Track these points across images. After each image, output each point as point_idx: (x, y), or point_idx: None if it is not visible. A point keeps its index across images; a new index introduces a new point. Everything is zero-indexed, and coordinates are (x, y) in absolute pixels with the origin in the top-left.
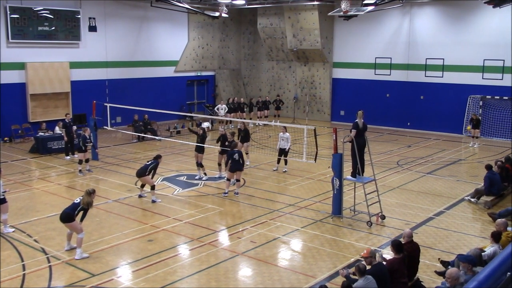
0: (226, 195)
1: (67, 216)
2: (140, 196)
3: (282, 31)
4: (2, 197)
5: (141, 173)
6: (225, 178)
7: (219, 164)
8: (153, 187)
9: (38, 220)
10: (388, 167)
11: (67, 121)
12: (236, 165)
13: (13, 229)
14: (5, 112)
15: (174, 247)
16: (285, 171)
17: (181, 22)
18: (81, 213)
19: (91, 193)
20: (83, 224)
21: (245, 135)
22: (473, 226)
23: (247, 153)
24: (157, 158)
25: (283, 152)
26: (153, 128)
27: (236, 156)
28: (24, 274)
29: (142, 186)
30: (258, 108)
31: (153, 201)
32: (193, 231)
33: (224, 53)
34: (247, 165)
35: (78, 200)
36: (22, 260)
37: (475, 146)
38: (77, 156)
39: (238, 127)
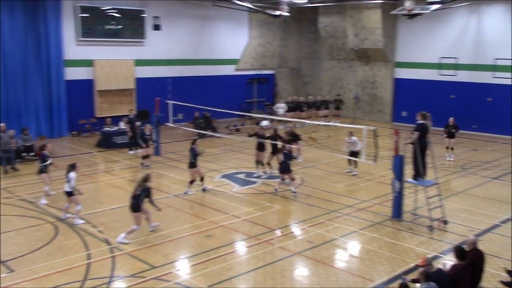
0: (276, 192)
1: (133, 206)
2: (204, 190)
3: (343, 30)
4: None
5: (189, 165)
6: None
7: (258, 162)
8: (201, 178)
9: (103, 211)
10: (451, 170)
11: (131, 117)
12: (281, 166)
13: (83, 221)
14: (74, 107)
15: (232, 243)
16: (354, 174)
17: (242, 21)
18: (145, 199)
19: (146, 179)
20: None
21: (293, 138)
22: None
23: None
24: (193, 144)
25: (353, 154)
26: (213, 125)
27: (282, 157)
28: (88, 263)
29: (191, 182)
30: (317, 108)
31: (204, 190)
32: (250, 229)
33: (284, 52)
34: (299, 162)
35: (139, 191)
36: (87, 250)
37: (451, 159)
38: (140, 151)
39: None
